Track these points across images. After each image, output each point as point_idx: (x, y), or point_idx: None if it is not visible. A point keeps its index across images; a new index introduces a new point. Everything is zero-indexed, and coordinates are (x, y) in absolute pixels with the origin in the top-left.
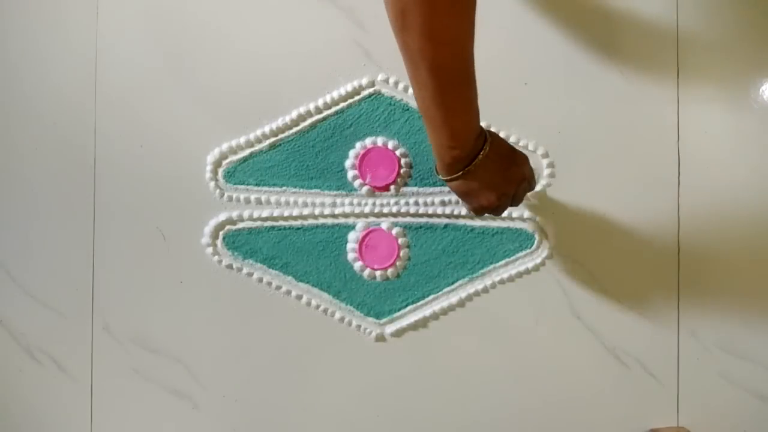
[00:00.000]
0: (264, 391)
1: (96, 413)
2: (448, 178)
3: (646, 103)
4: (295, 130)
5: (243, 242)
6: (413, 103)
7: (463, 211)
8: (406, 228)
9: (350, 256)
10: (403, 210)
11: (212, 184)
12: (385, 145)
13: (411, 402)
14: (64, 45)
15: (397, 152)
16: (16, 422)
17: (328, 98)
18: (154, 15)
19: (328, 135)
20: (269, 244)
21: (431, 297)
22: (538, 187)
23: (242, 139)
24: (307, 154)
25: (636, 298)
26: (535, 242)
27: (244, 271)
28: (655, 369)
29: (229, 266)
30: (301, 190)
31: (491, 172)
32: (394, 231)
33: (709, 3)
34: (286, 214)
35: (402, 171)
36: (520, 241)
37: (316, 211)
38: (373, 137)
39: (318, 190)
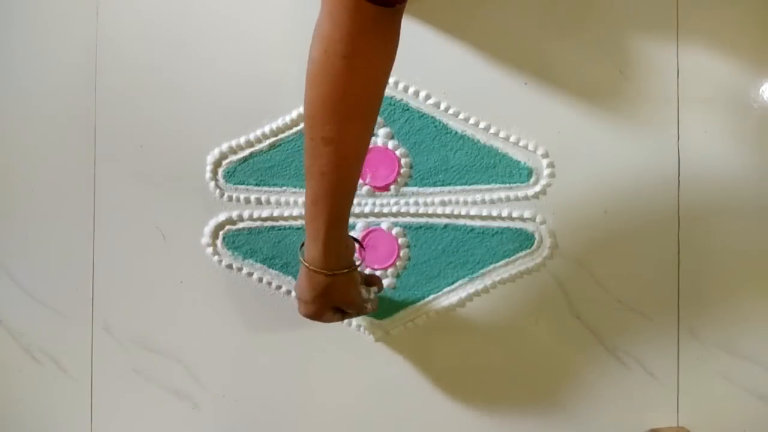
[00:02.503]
0: (264, 391)
1: (96, 413)
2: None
3: (646, 103)
4: (295, 130)
5: (243, 242)
6: (413, 103)
7: (463, 211)
8: (406, 228)
9: None
10: (403, 210)
11: (212, 184)
12: (385, 145)
13: (411, 402)
14: (64, 45)
15: (397, 152)
16: (16, 422)
17: None
18: (153, 15)
19: None
20: (269, 244)
21: (431, 297)
22: (537, 187)
23: (242, 139)
24: None
25: (636, 298)
26: (535, 242)
27: (244, 271)
28: (655, 369)
29: (229, 266)
30: (301, 190)
31: (303, 286)
32: (394, 231)
33: (709, 3)
34: (286, 214)
35: (402, 171)
36: (520, 241)
37: None
38: (373, 137)
39: None
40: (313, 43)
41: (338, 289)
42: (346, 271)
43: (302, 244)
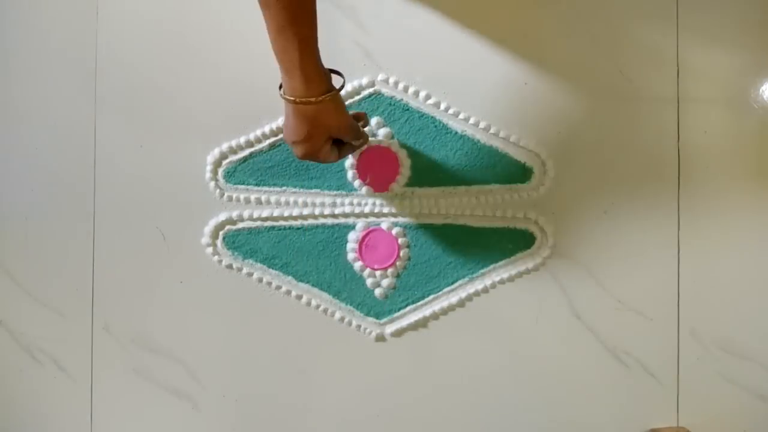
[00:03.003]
0: (264, 391)
1: (96, 413)
2: (280, 93)
3: (646, 103)
4: None
5: (243, 242)
6: (413, 103)
7: (463, 211)
8: (406, 228)
9: (350, 256)
10: (403, 210)
11: (212, 184)
12: (385, 145)
13: (411, 402)
14: (64, 45)
15: (397, 152)
16: (16, 422)
17: None
18: (153, 15)
19: None
20: (269, 244)
21: (431, 297)
22: (537, 187)
23: (242, 139)
24: None
25: (636, 298)
26: (535, 242)
27: (244, 271)
28: (655, 369)
29: (229, 266)
30: (301, 190)
31: (293, 126)
32: (394, 231)
33: (709, 3)
34: (286, 214)
35: (402, 171)
36: (520, 241)
37: (316, 211)
38: (373, 137)
39: (318, 190)
40: None
41: (330, 114)
42: (332, 93)
43: (280, 86)
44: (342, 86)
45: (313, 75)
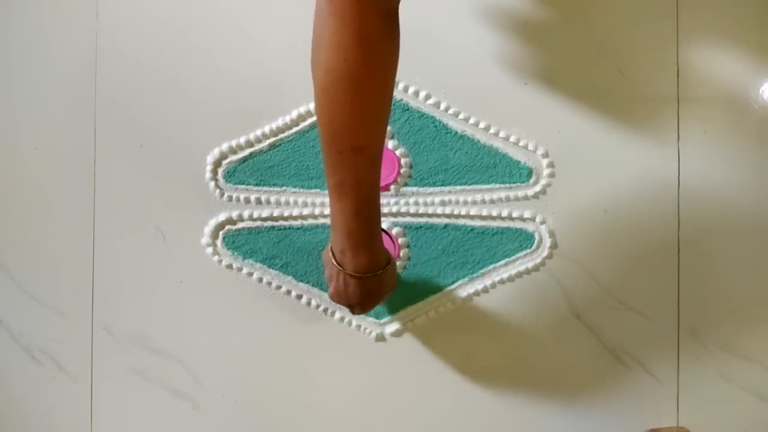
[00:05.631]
0: (264, 391)
1: (96, 413)
2: (333, 260)
3: (646, 103)
4: (295, 130)
5: (243, 242)
6: (413, 103)
7: (463, 210)
8: (406, 228)
9: None
10: (403, 210)
11: (212, 184)
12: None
13: (411, 402)
14: (64, 45)
15: (397, 152)
16: (17, 422)
17: None
18: (153, 15)
19: None
20: (269, 244)
21: (431, 297)
22: (537, 187)
23: (242, 139)
24: (307, 154)
25: (636, 298)
26: (535, 242)
27: (244, 271)
28: (655, 369)
29: (229, 266)
30: (301, 190)
31: (356, 292)
32: (394, 231)
33: (709, 3)
34: (286, 214)
35: (402, 171)
36: (520, 241)
37: (316, 211)
38: None
39: (318, 190)
40: (327, 54)
41: (391, 279)
42: (392, 262)
43: (333, 255)
44: (399, 254)
45: (380, 250)
